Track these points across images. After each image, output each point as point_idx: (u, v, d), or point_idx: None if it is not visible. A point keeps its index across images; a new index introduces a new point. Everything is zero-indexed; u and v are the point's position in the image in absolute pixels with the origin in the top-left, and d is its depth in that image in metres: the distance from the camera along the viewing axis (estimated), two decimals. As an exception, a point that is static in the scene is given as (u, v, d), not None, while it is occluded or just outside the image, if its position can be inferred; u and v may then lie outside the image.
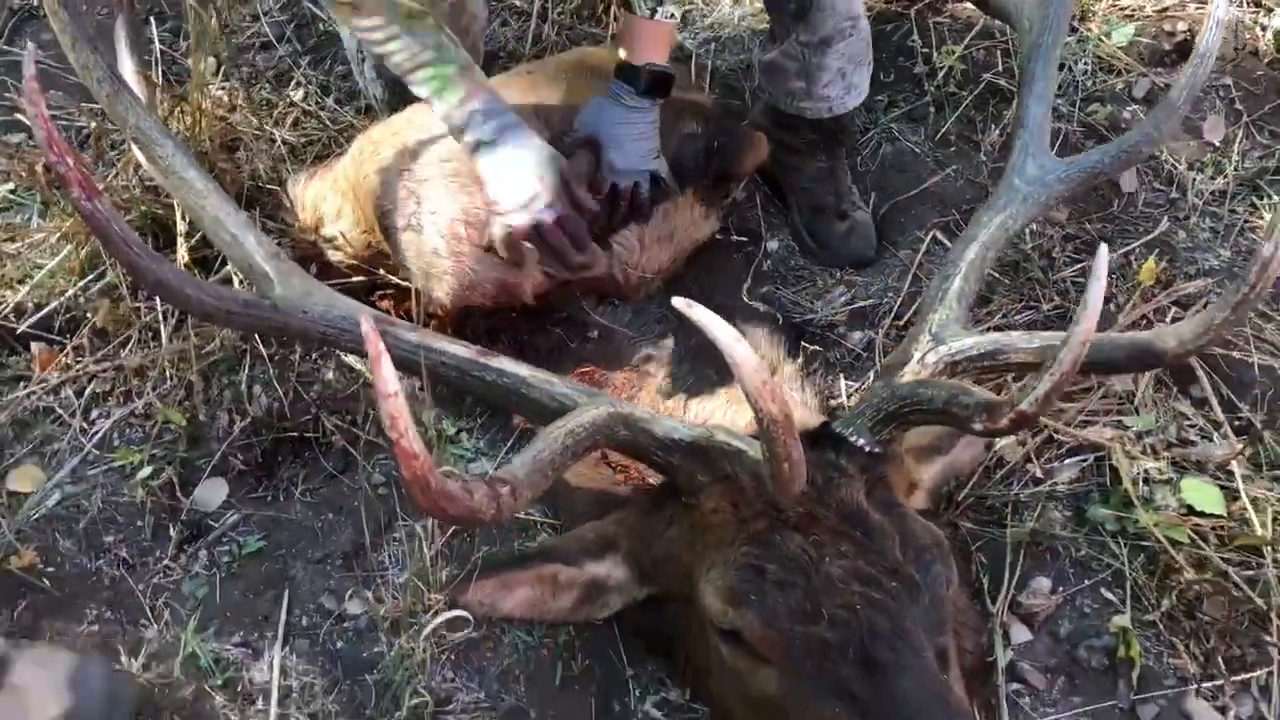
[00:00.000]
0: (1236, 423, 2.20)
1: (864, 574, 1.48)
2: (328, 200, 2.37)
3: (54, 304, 2.38)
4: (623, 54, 2.28)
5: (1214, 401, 2.21)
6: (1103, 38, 2.88)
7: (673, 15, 2.26)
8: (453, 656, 1.92)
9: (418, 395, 2.01)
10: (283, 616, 1.99)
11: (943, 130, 2.81)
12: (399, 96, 2.49)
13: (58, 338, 2.38)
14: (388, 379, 1.15)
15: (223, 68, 2.88)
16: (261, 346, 2.32)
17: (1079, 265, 2.48)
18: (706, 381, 2.12)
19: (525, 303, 2.23)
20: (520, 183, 2.05)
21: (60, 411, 2.30)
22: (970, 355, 1.76)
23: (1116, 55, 2.85)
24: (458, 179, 2.17)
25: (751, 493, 1.58)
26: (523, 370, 1.73)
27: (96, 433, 2.27)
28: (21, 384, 2.34)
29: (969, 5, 2.88)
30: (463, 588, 1.76)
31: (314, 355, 2.37)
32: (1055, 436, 2.16)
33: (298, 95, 2.92)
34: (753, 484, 1.56)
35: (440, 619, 1.73)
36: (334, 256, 2.35)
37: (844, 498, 1.58)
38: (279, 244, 2.13)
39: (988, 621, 1.95)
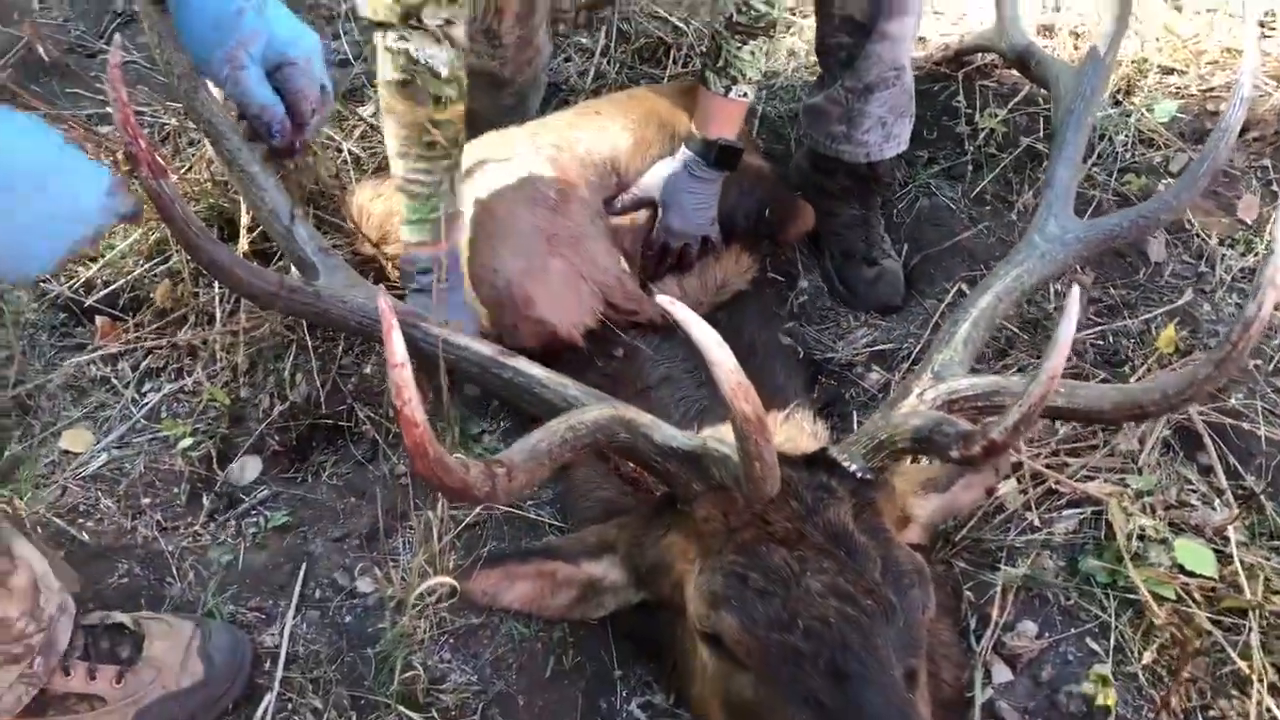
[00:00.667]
0: (1239, 491, 2.21)
1: (842, 590, 1.53)
2: (396, 221, 2.49)
3: (120, 282, 2.54)
4: (695, 127, 2.40)
5: (1219, 469, 2.22)
6: (1145, 112, 2.94)
7: (745, 94, 2.38)
8: (451, 639, 2.00)
9: (445, 395, 2.11)
10: (298, 588, 2.09)
11: (979, 189, 2.88)
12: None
13: (120, 314, 2.53)
14: (397, 351, 1.24)
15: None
16: (307, 337, 2.45)
17: (1098, 327, 2.53)
18: (721, 405, 2.19)
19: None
20: None
21: (115, 382, 2.45)
22: (967, 395, 1.81)
23: (1157, 130, 2.90)
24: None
25: (742, 504, 1.64)
26: (537, 371, 1.83)
27: (146, 404, 2.41)
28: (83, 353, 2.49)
29: (1014, 72, 2.95)
30: (468, 576, 1.83)
31: (355, 350, 2.49)
32: (1056, 488, 2.20)
33: (367, 111, 3.08)
34: (741, 493, 1.64)
35: (425, 584, 1.81)
36: (395, 275, 2.45)
37: (831, 518, 1.63)
38: (333, 244, 2.26)
39: (970, 658, 1.99)
